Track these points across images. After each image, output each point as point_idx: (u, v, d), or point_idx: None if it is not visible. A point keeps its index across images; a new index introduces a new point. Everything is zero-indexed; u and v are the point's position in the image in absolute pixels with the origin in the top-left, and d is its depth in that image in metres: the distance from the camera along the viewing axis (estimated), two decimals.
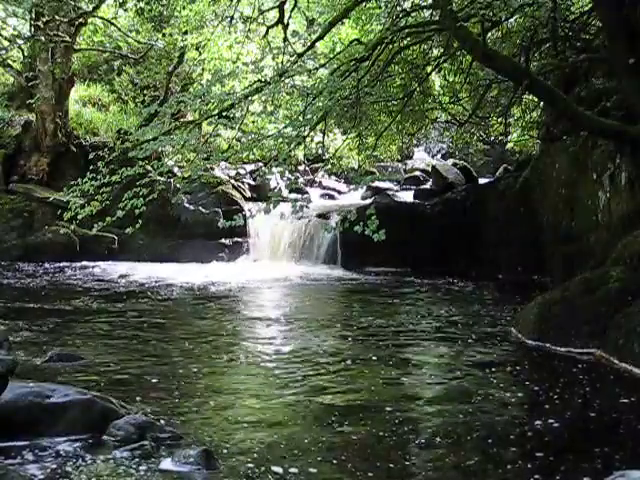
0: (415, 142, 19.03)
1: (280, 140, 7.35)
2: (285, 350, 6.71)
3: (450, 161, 17.56)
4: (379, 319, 8.12)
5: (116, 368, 5.86)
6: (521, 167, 12.78)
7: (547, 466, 3.92)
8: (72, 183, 7.75)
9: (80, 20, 13.28)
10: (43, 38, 12.59)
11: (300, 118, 7.42)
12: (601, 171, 8.91)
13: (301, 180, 16.48)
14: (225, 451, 4.03)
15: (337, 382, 5.61)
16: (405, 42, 8.54)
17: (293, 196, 12.40)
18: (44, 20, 12.59)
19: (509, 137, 13.91)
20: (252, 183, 15.71)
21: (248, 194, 15.27)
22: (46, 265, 12.26)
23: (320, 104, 7.20)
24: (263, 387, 5.49)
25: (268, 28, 11.18)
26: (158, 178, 9.71)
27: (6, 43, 13.88)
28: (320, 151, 10.69)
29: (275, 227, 13.30)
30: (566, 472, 3.83)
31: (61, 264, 12.32)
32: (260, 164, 15.10)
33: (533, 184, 11.23)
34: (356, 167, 15.59)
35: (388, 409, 4.94)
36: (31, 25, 13.61)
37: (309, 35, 9.75)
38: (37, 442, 3.97)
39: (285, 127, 7.56)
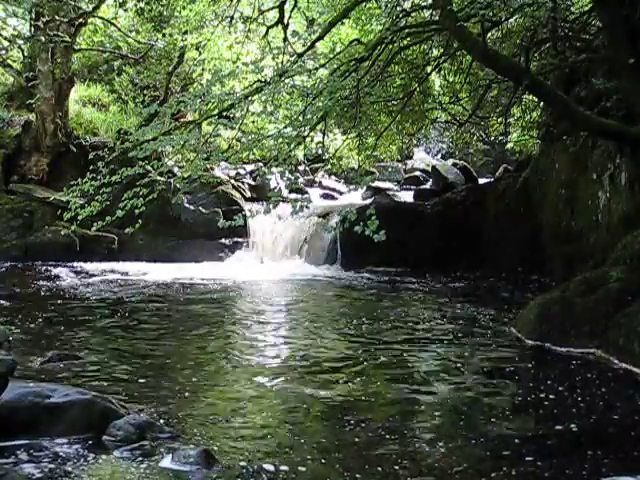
0: (415, 142, 19.02)
1: (280, 140, 7.33)
2: (284, 350, 6.71)
3: (450, 161, 17.57)
4: (378, 319, 8.12)
5: (116, 368, 5.86)
6: (521, 167, 12.78)
7: (538, 469, 3.91)
8: (72, 183, 7.72)
9: (80, 20, 13.26)
10: (43, 38, 12.56)
11: (300, 118, 7.40)
12: (601, 171, 8.92)
13: (301, 180, 16.44)
14: (225, 451, 4.04)
15: (336, 382, 5.61)
16: (405, 42, 8.53)
17: (293, 196, 12.40)
18: (44, 20, 12.57)
19: (509, 137, 13.90)
20: (252, 183, 15.71)
21: (248, 194, 15.27)
22: (46, 265, 12.25)
23: (320, 104, 7.18)
24: (262, 387, 5.48)
25: (268, 28, 11.16)
26: (158, 178, 9.68)
27: (6, 43, 13.87)
28: (320, 151, 10.66)
29: (275, 227, 13.31)
30: (556, 476, 3.83)
31: (61, 264, 12.32)
32: (260, 164, 15.08)
33: (533, 184, 11.23)
34: (356, 167, 15.58)
35: (386, 409, 4.94)
36: (31, 25, 13.59)
37: (309, 35, 9.72)
38: (37, 442, 3.97)
39: (285, 127, 7.54)
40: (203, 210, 13.91)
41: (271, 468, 3.80)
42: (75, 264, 12.38)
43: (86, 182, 7.58)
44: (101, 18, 14.58)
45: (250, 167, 16.15)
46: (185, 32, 14.64)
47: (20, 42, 13.88)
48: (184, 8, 14.38)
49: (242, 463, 3.87)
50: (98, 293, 9.83)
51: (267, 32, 11.20)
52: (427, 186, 15.85)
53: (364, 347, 6.82)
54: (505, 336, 7.17)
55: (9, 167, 13.66)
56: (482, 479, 3.79)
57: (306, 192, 15.50)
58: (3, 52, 13.93)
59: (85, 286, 10.42)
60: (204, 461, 3.76)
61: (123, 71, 16.75)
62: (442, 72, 10.90)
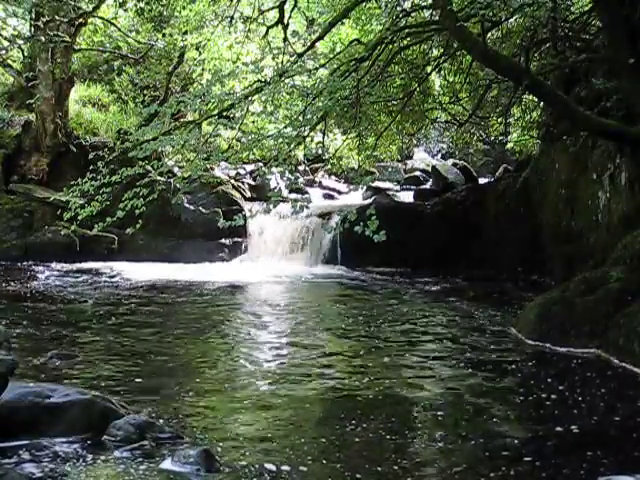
0: (415, 142, 19.02)
1: (280, 140, 7.34)
2: (285, 351, 6.71)
3: (450, 161, 17.57)
4: (378, 319, 8.12)
5: (116, 368, 5.86)
6: (521, 167, 12.79)
7: (538, 469, 3.91)
8: (72, 183, 7.73)
9: (80, 20, 13.26)
10: (43, 38, 12.56)
11: (300, 118, 7.41)
12: (601, 171, 8.92)
13: (301, 180, 16.45)
14: (225, 451, 4.04)
15: (337, 383, 5.62)
16: (405, 42, 8.53)
17: (293, 196, 12.40)
18: (44, 20, 12.56)
19: (509, 137, 13.90)
20: (252, 183, 15.70)
21: (248, 194, 15.27)
22: (46, 265, 12.25)
23: (320, 104, 7.19)
24: (262, 387, 5.49)
25: (268, 28, 11.16)
26: (158, 178, 9.69)
27: (6, 43, 13.86)
28: (320, 151, 10.67)
29: (275, 227, 13.30)
30: (556, 476, 3.83)
31: (61, 264, 12.32)
32: (260, 164, 15.09)
33: (533, 184, 11.23)
34: (356, 167, 15.58)
35: (386, 409, 4.94)
36: (31, 25, 13.59)
37: (309, 35, 9.73)
38: (37, 442, 3.96)
39: (285, 127, 7.55)
40: (203, 210, 13.91)
41: (272, 468, 3.80)
42: (75, 264, 12.37)
43: (86, 182, 7.58)
44: (101, 18, 14.58)
45: (250, 167, 16.14)
46: (185, 32, 14.64)
47: (20, 42, 13.87)
48: (184, 8, 14.38)
49: (242, 463, 3.87)
50: (98, 293, 9.83)
51: (267, 32, 11.20)
52: (427, 186, 15.85)
53: (364, 347, 6.82)
54: (505, 336, 7.17)
55: (9, 167, 13.65)
56: (482, 479, 3.79)
57: (306, 192, 15.51)
58: (3, 52, 13.92)
59: (85, 286, 10.42)
60: (204, 461, 3.75)
61: (123, 71, 16.74)
62: (442, 72, 10.90)
